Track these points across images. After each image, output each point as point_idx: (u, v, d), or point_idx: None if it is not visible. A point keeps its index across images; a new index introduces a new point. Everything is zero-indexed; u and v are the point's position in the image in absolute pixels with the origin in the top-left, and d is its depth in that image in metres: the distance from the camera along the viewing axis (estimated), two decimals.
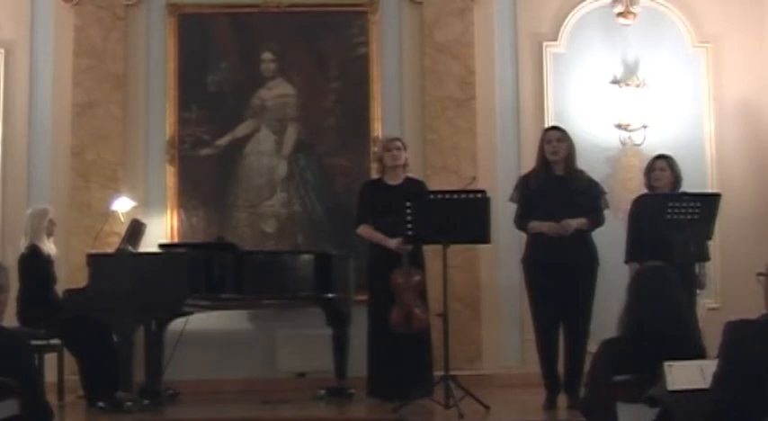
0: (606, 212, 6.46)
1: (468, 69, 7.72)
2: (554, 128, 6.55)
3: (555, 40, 7.84)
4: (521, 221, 6.36)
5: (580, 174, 6.37)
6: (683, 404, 3.39)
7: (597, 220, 6.31)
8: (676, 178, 6.61)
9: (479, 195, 6.14)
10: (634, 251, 6.43)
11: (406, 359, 6.32)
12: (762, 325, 3.11)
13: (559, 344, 6.25)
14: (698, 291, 6.42)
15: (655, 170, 6.63)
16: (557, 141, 6.29)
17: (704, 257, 6.54)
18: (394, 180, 6.64)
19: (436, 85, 7.70)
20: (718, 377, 3.12)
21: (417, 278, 6.37)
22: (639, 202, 6.63)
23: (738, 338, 3.05)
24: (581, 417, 4.39)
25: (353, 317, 6.94)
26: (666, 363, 3.53)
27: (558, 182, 6.28)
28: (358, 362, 6.77)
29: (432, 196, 6.26)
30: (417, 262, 6.47)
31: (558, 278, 6.13)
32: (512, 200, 6.50)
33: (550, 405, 6.17)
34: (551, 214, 6.18)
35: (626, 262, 6.47)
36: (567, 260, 6.15)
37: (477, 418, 5.74)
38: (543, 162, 6.32)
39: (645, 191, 6.69)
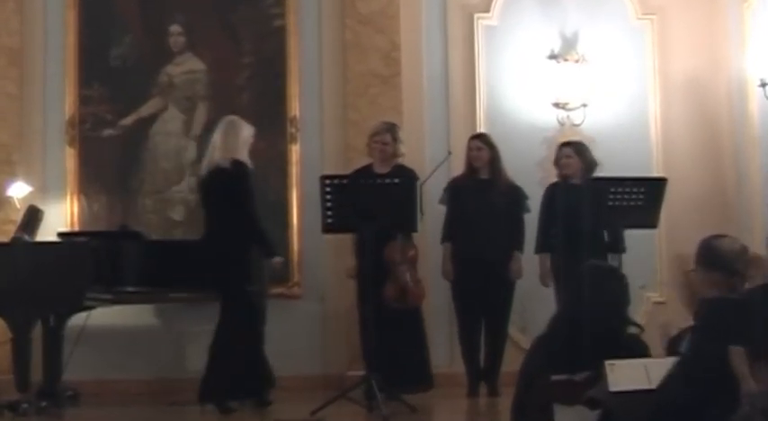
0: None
1: (394, 43, 7.79)
2: (477, 136, 7.17)
3: (487, 11, 7.91)
4: (445, 233, 6.93)
5: (503, 179, 6.98)
6: (628, 406, 3.49)
7: (520, 238, 6.87)
8: (587, 164, 6.81)
9: (405, 179, 6.38)
10: (545, 242, 6.80)
11: (401, 348, 6.53)
12: (739, 301, 3.28)
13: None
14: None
15: (561, 158, 6.88)
16: (476, 150, 6.98)
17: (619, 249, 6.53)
18: (382, 168, 6.97)
19: (359, 61, 7.79)
20: (693, 350, 3.25)
21: (412, 252, 6.73)
22: (551, 191, 6.90)
23: (716, 314, 3.20)
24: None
25: (270, 312, 6.76)
26: (608, 362, 3.69)
27: (482, 184, 6.96)
28: (281, 358, 6.84)
29: (361, 181, 6.49)
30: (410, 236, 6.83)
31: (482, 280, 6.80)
32: (441, 202, 7.03)
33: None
34: (474, 217, 6.84)
35: (536, 252, 6.87)
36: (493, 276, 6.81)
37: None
38: (469, 166, 7.04)
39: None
